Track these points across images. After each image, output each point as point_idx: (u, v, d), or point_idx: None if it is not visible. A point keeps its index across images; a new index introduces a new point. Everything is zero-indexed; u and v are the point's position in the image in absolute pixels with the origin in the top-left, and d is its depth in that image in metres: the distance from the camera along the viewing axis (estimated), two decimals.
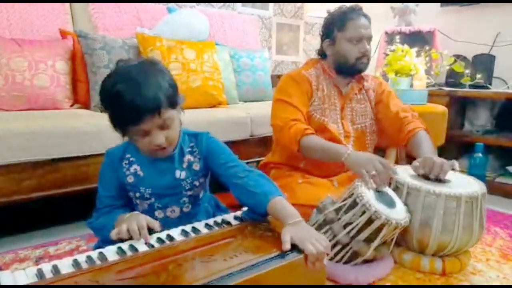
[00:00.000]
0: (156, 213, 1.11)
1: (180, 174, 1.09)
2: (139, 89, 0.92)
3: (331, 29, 1.55)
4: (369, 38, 1.53)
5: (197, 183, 1.12)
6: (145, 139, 0.98)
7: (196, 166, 1.11)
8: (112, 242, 0.94)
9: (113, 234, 0.94)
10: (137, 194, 1.09)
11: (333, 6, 1.62)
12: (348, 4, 1.56)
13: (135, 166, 1.08)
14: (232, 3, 2.88)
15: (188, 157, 1.11)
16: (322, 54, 1.63)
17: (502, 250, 1.44)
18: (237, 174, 1.05)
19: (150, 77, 0.95)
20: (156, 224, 0.97)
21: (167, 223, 1.05)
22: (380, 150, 2.09)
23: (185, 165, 1.10)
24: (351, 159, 1.29)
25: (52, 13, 1.96)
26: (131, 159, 1.09)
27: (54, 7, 1.97)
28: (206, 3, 2.74)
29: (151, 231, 0.96)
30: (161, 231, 0.98)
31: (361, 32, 1.50)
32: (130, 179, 1.08)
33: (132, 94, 0.91)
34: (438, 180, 1.28)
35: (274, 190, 1.01)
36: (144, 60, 1.04)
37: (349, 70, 1.55)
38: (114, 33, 2.09)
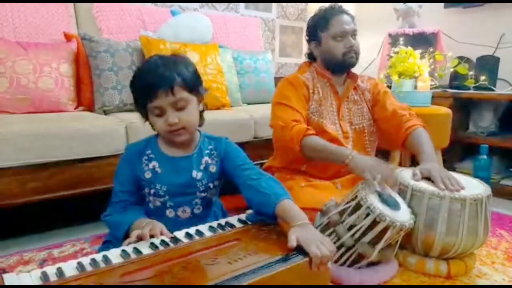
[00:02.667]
0: (167, 212, 1.13)
1: (197, 174, 1.12)
2: (156, 69, 1.02)
3: (315, 30, 1.57)
4: (353, 33, 1.53)
5: (211, 185, 1.15)
6: (161, 119, 1.04)
7: (213, 168, 1.14)
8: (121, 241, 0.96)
9: (132, 238, 0.94)
10: (152, 191, 1.11)
11: None
12: (327, 4, 1.58)
13: (154, 163, 1.11)
14: (235, 5, 2.88)
15: (206, 158, 1.14)
16: (311, 57, 1.65)
17: (508, 253, 1.43)
18: (250, 176, 1.09)
19: (169, 62, 1.05)
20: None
21: (177, 224, 1.06)
22: (383, 153, 2.08)
23: (202, 167, 1.13)
24: (356, 161, 1.29)
25: (56, 16, 1.97)
26: (151, 155, 1.12)
27: (59, 10, 1.98)
28: (210, 6, 2.75)
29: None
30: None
31: (344, 27, 1.51)
32: (148, 174, 1.10)
33: (150, 73, 1.03)
34: None
35: (285, 193, 1.04)
36: (174, 54, 1.12)
37: (339, 67, 1.56)
38: (118, 36, 2.09)
